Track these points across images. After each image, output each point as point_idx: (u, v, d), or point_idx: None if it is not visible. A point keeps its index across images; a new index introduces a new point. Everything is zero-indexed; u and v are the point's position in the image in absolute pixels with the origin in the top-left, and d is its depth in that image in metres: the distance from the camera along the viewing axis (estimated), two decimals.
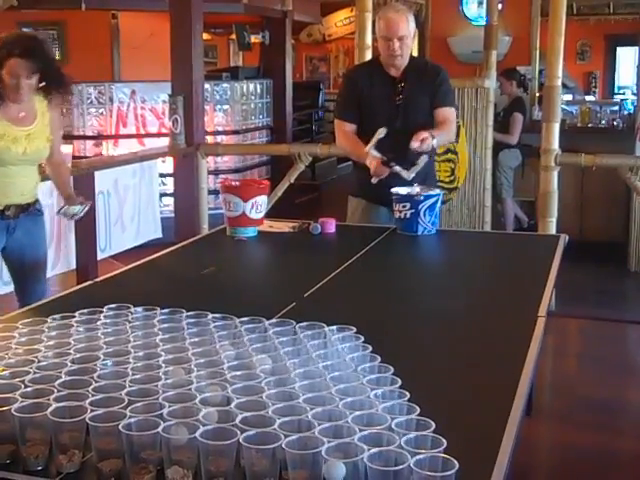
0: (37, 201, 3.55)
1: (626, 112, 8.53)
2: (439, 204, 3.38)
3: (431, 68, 3.72)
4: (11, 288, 3.71)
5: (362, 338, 1.91)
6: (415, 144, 3.29)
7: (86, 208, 3.50)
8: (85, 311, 2.10)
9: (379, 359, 1.78)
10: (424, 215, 3.30)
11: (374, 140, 3.38)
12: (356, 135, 3.62)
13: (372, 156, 3.38)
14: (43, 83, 3.30)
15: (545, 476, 3.29)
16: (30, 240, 3.51)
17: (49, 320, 2.03)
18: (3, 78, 3.20)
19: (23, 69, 3.19)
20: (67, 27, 9.56)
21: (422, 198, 3.31)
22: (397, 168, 3.36)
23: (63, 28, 9.62)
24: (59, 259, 4.71)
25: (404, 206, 3.32)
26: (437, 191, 3.42)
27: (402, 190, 3.37)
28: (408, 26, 3.52)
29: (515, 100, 7.09)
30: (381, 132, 3.38)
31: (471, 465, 1.38)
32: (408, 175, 3.36)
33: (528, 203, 6.92)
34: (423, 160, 3.39)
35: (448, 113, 3.62)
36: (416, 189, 3.36)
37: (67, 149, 4.65)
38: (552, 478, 3.24)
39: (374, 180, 3.42)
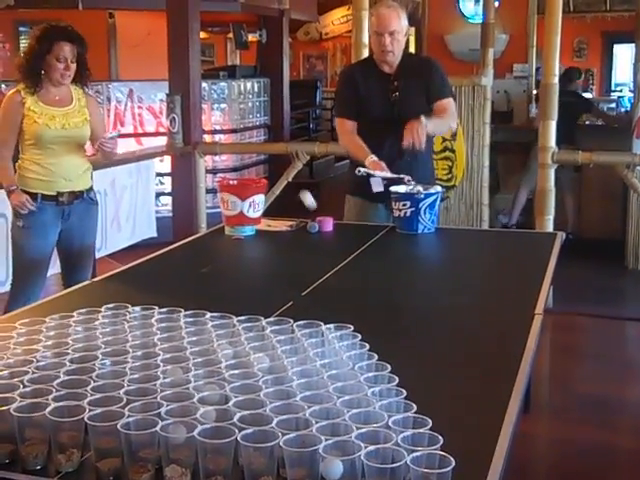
0: (90, 190, 3.78)
1: (623, 109, 8.55)
2: (439, 202, 3.38)
3: (423, 62, 3.73)
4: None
5: (359, 336, 1.91)
6: (406, 143, 3.30)
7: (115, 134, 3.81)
8: (83, 311, 2.10)
9: (376, 357, 1.79)
10: (424, 213, 3.29)
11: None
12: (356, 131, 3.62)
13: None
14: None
15: (543, 472, 3.30)
16: (81, 228, 3.75)
17: (47, 320, 2.03)
18: (50, 63, 3.52)
19: (69, 53, 3.54)
20: None
21: (423, 196, 3.29)
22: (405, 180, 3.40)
23: None
24: (57, 258, 4.70)
25: (404, 204, 3.31)
26: (437, 189, 3.41)
27: (401, 188, 3.36)
28: (400, 22, 3.52)
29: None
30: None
31: (468, 462, 1.39)
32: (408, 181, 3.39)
33: None
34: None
35: (446, 104, 3.60)
36: (416, 187, 3.36)
37: None
38: (550, 474, 3.25)
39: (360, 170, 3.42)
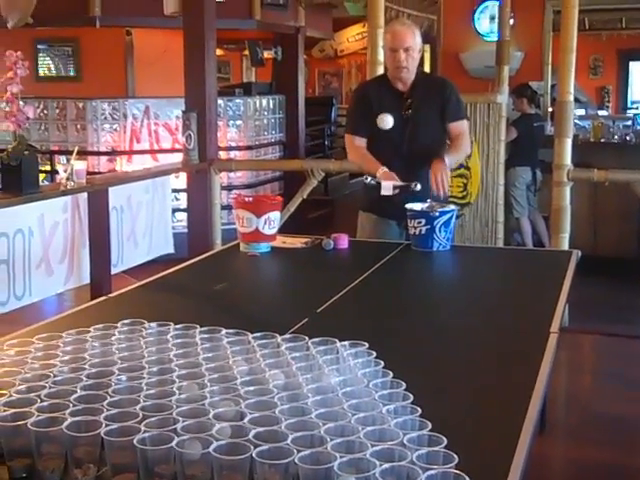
0: None
1: (639, 127, 8.52)
2: (454, 220, 3.39)
3: (438, 81, 3.78)
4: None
5: (374, 354, 1.91)
6: (434, 187, 3.42)
7: None
8: (100, 326, 2.11)
9: (391, 375, 1.79)
10: (439, 231, 3.30)
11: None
12: (366, 149, 3.65)
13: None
14: None
15: None
16: None
17: (64, 335, 2.05)
18: None
19: None
20: (81, 44, 9.66)
21: (437, 214, 3.31)
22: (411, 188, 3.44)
23: (77, 45, 9.73)
24: (72, 274, 4.74)
25: (419, 222, 3.32)
26: (452, 207, 3.43)
27: (417, 206, 3.38)
28: (414, 39, 3.57)
29: (520, 117, 7.07)
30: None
31: None
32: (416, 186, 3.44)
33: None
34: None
35: (461, 127, 3.67)
36: (431, 205, 3.38)
37: (82, 165, 4.68)
38: None
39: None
